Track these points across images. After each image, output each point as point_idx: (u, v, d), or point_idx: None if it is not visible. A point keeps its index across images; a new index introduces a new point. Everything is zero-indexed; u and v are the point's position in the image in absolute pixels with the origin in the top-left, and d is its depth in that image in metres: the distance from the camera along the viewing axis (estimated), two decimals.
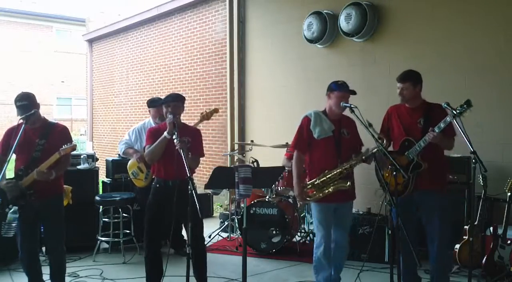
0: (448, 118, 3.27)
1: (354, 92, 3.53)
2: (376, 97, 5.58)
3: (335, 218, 3.62)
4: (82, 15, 16.73)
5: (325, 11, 6.04)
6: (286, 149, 5.46)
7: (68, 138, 3.63)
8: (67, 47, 20.87)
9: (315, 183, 3.51)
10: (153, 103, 4.96)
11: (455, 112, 3.22)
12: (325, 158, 3.53)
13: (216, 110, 4.74)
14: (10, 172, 3.59)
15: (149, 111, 5.04)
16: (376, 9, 5.60)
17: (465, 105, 3.22)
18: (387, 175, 3.46)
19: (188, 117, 8.17)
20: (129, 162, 4.95)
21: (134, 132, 5.06)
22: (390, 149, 3.67)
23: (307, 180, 3.61)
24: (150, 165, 3.79)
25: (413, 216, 3.57)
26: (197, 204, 2.98)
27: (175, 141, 3.36)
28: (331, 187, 3.46)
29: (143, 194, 4.63)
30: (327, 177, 3.47)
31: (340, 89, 3.50)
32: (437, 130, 3.31)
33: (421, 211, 3.57)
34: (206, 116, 4.58)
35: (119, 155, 5.24)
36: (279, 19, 6.86)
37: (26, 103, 3.46)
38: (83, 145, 13.70)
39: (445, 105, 3.32)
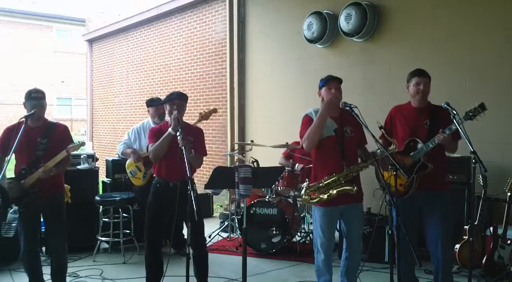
0: (457, 121, 3.21)
1: (339, 80, 3.40)
2: (376, 97, 5.58)
3: (344, 224, 3.49)
4: (82, 15, 16.72)
5: (325, 11, 6.04)
6: (286, 148, 5.46)
7: (69, 138, 3.69)
8: (67, 47, 20.90)
9: (319, 185, 3.35)
10: (152, 102, 5.01)
11: (455, 112, 3.20)
12: (329, 159, 3.38)
13: (215, 110, 4.76)
14: (9, 171, 3.58)
15: (148, 110, 5.07)
16: (376, 9, 5.60)
17: (479, 109, 3.20)
18: (387, 175, 3.37)
19: (188, 117, 8.12)
20: (127, 161, 5.00)
21: (133, 132, 5.11)
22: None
23: (309, 182, 3.45)
24: (154, 163, 3.75)
25: (414, 217, 3.54)
26: (195, 206, 2.97)
27: (178, 138, 3.34)
28: (335, 190, 3.30)
29: (142, 192, 4.66)
30: (332, 180, 3.32)
31: (324, 82, 3.39)
32: (448, 132, 3.26)
33: (423, 211, 3.53)
34: (205, 116, 4.59)
35: (118, 155, 5.26)
36: (279, 19, 6.86)
37: (41, 95, 3.59)
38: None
39: (445, 105, 3.30)
